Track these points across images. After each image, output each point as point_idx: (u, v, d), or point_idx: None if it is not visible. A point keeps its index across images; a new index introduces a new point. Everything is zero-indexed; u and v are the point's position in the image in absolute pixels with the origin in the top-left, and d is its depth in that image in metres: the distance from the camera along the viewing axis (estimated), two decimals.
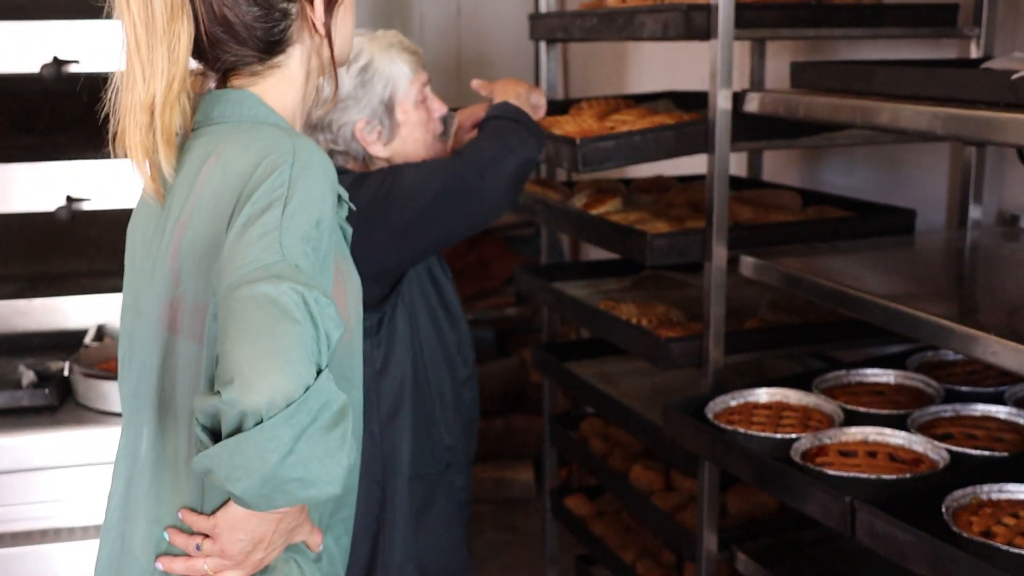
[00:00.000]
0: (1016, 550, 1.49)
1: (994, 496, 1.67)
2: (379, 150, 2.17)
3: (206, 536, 1.34)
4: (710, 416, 2.09)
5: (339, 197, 1.43)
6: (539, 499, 4.28)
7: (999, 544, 1.50)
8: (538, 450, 4.23)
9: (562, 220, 2.66)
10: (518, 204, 2.84)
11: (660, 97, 2.84)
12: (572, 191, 2.80)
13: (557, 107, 2.72)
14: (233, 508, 1.30)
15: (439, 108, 2.22)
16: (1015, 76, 1.54)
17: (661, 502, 2.62)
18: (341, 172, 2.18)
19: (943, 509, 1.62)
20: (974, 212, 2.41)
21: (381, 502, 2.20)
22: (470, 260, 4.77)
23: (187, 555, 1.36)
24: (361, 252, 2.08)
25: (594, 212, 2.56)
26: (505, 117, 2.10)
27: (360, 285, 1.53)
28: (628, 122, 2.44)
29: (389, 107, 2.14)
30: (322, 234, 1.28)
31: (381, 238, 2.06)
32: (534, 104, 2.27)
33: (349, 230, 1.53)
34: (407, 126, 2.17)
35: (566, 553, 3.42)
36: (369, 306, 2.14)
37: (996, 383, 2.12)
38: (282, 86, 1.42)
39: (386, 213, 2.03)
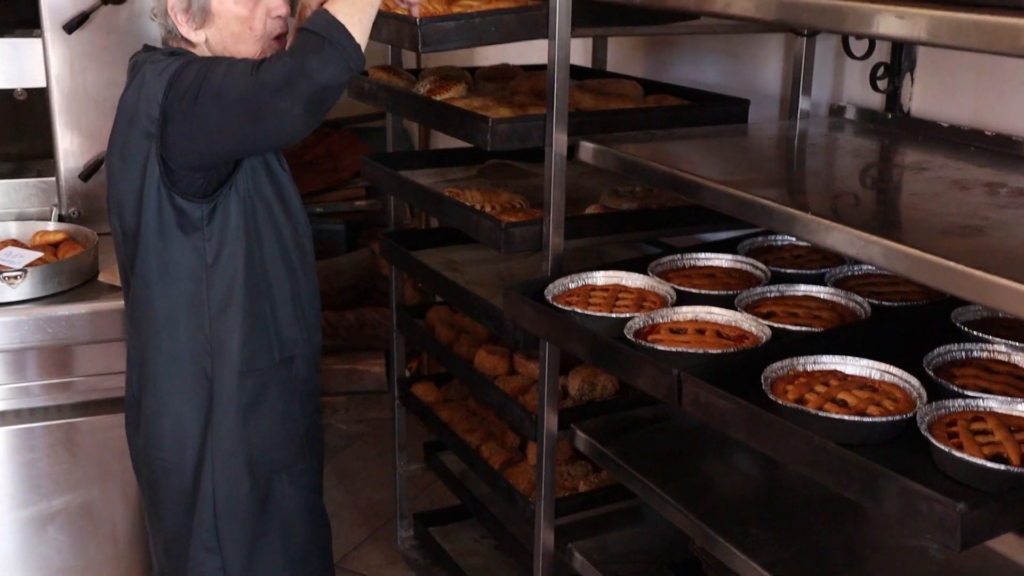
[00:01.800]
0: (824, 413, 1.59)
1: (809, 367, 1.77)
2: (189, 33, 2.12)
3: None
4: (549, 298, 2.15)
5: None
6: (390, 390, 4.33)
7: (809, 409, 1.61)
8: (389, 342, 4.27)
9: (406, 106, 2.65)
10: (362, 91, 2.82)
11: None
12: (417, 78, 2.78)
13: None
14: None
15: (277, 8, 2.13)
16: None
17: (504, 386, 2.69)
18: (174, 53, 2.13)
19: (762, 379, 1.71)
20: (804, 103, 2.50)
21: (210, 395, 2.21)
22: (319, 152, 4.72)
23: None
24: (178, 141, 2.05)
25: (438, 98, 2.55)
26: (313, 31, 1.95)
27: None
28: (474, 7, 2.43)
29: None
30: None
31: (193, 131, 2.03)
32: None
33: None
34: (221, 17, 2.10)
35: (415, 440, 3.48)
36: (198, 196, 2.11)
37: (819, 266, 2.23)
38: None
39: (195, 108, 1.99)
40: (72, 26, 2.99)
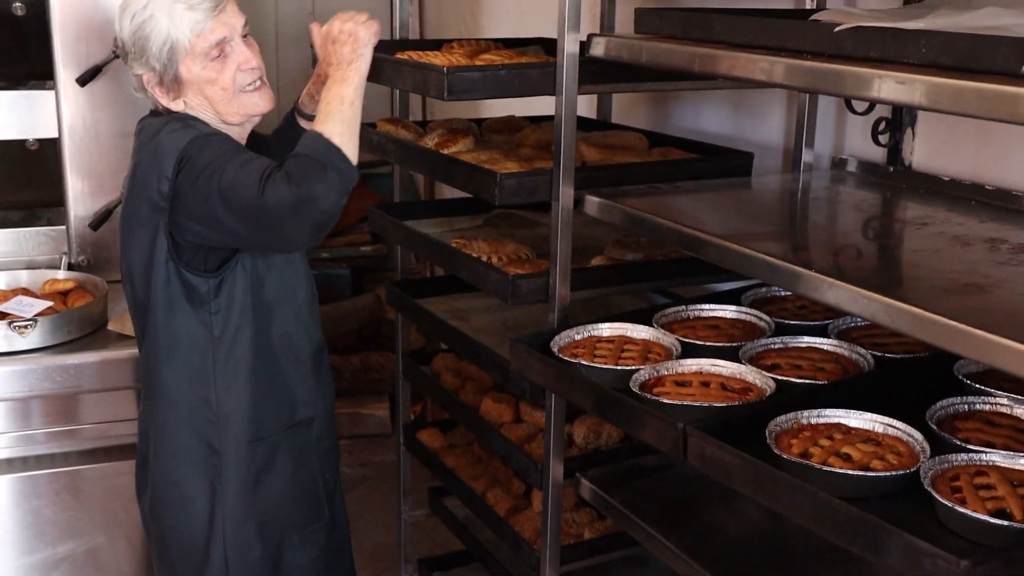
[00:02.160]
0: (828, 468, 1.62)
1: (813, 420, 1.79)
2: (168, 103, 2.15)
3: None
4: (555, 350, 2.17)
5: None
6: (394, 434, 4.35)
7: (814, 464, 1.63)
8: (393, 386, 4.28)
9: (414, 159, 2.69)
10: (371, 143, 2.85)
11: (531, 43, 2.88)
12: (425, 130, 2.82)
13: (429, 45, 2.78)
14: None
15: (247, 61, 2.14)
16: (837, 29, 1.63)
17: (510, 434, 2.71)
18: (186, 123, 2.12)
19: (767, 433, 1.74)
20: (807, 156, 2.54)
21: (217, 465, 2.22)
22: None
23: None
24: (186, 222, 2.07)
25: (446, 151, 2.59)
26: (314, 158, 1.99)
27: None
28: (495, 61, 2.48)
29: (171, 64, 2.09)
30: None
31: (202, 219, 2.05)
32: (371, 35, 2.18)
33: None
34: (193, 84, 2.12)
35: (420, 485, 3.49)
36: (204, 271, 2.13)
37: (822, 317, 2.26)
38: None
39: (205, 200, 2.02)
40: (85, 79, 3.03)
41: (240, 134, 2.24)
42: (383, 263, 4.80)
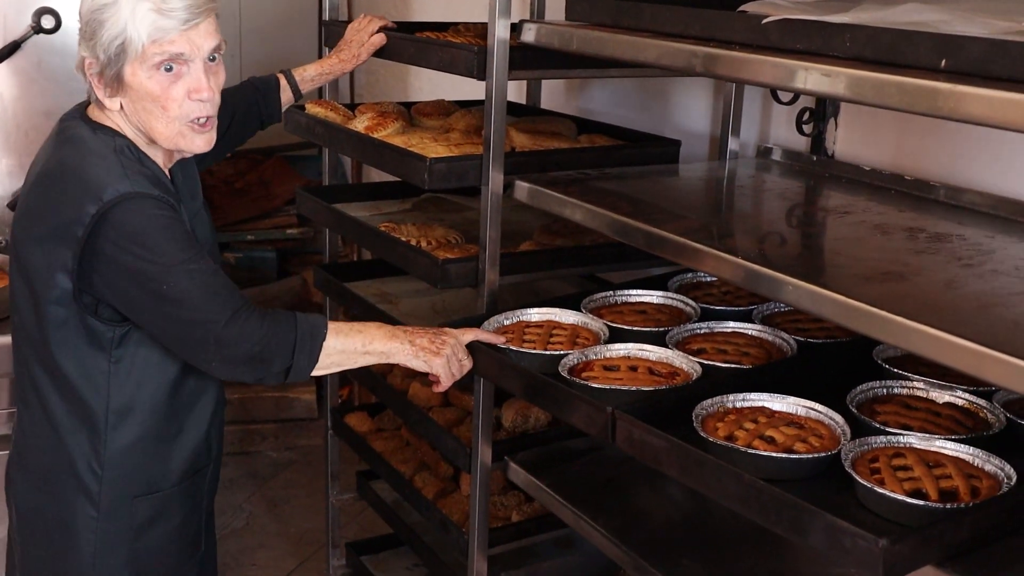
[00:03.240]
0: (753, 450, 1.65)
1: (738, 404, 1.83)
2: (104, 97, 1.92)
3: None
4: None
5: None
6: (321, 417, 4.33)
7: (739, 446, 1.66)
8: None
9: (344, 142, 2.68)
10: (299, 125, 2.83)
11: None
12: (354, 113, 2.81)
13: (437, 27, 2.83)
14: None
15: (197, 90, 1.90)
16: (765, 21, 1.66)
17: (439, 417, 2.72)
18: (121, 148, 1.94)
19: (693, 417, 1.77)
20: (733, 144, 2.58)
21: (94, 518, 2.03)
22: (252, 180, 4.71)
23: None
24: (107, 285, 1.88)
25: (376, 135, 2.58)
26: (298, 338, 1.92)
27: None
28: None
29: (116, 61, 1.87)
30: None
31: (128, 300, 1.90)
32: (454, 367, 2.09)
33: None
34: (134, 90, 1.89)
35: (347, 469, 3.49)
36: (111, 319, 1.94)
37: (747, 303, 2.30)
38: None
39: (137, 293, 1.87)
40: (3, 55, 2.96)
41: (165, 158, 2.02)
42: (309, 246, 4.77)
